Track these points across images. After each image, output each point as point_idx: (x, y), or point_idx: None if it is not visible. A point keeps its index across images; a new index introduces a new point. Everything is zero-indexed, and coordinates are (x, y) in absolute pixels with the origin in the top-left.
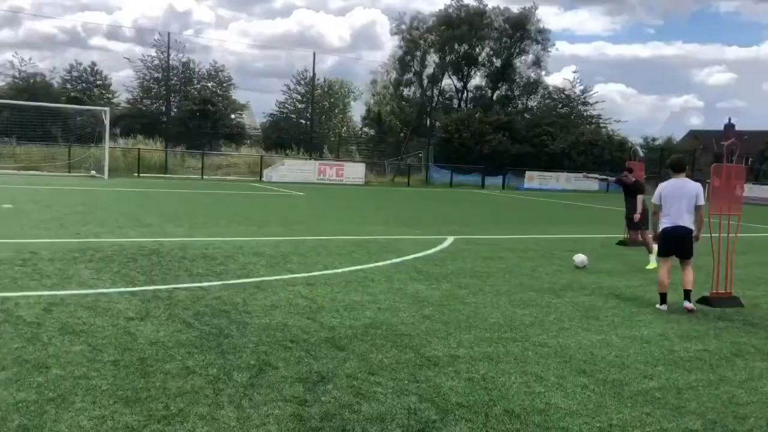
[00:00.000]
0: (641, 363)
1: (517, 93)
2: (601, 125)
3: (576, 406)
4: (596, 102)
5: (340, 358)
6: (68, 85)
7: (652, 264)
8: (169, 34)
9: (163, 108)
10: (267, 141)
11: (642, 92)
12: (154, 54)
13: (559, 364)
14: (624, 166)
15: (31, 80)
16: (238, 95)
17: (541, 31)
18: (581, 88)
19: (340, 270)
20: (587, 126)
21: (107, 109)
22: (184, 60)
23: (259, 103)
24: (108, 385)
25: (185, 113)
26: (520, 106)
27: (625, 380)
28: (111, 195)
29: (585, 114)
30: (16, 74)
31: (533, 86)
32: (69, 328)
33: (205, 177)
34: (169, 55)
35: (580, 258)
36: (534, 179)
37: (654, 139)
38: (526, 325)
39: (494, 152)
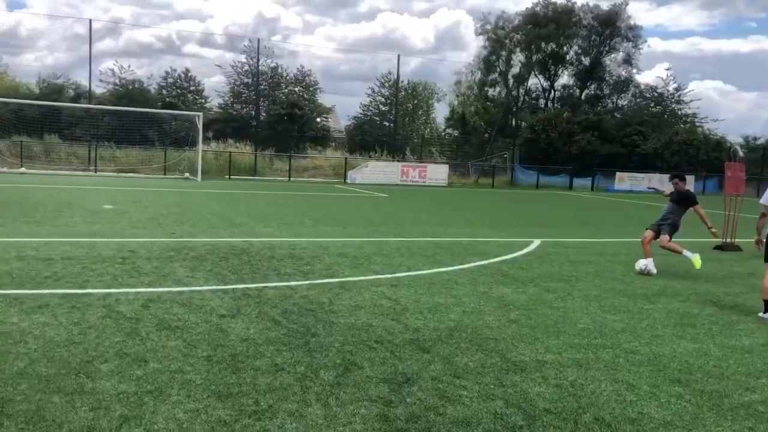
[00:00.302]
0: (742, 374)
1: (606, 92)
2: (697, 124)
3: (671, 416)
4: (691, 100)
5: (425, 360)
6: (164, 91)
7: (696, 260)
8: (258, 40)
9: (253, 112)
10: (351, 143)
11: (741, 89)
12: (243, 60)
13: (652, 372)
14: (722, 167)
15: (130, 87)
16: (324, 99)
17: (632, 28)
18: (675, 85)
19: (423, 272)
20: (681, 125)
21: (200, 114)
22: (272, 65)
23: (344, 106)
24: (202, 380)
25: (273, 117)
26: (609, 105)
27: (725, 392)
28: (204, 196)
29: (679, 113)
30: (117, 81)
31: (624, 85)
32: (165, 324)
33: (291, 179)
34: (258, 60)
35: (641, 264)
36: (624, 180)
37: (755, 139)
38: (617, 332)
39: (583, 153)
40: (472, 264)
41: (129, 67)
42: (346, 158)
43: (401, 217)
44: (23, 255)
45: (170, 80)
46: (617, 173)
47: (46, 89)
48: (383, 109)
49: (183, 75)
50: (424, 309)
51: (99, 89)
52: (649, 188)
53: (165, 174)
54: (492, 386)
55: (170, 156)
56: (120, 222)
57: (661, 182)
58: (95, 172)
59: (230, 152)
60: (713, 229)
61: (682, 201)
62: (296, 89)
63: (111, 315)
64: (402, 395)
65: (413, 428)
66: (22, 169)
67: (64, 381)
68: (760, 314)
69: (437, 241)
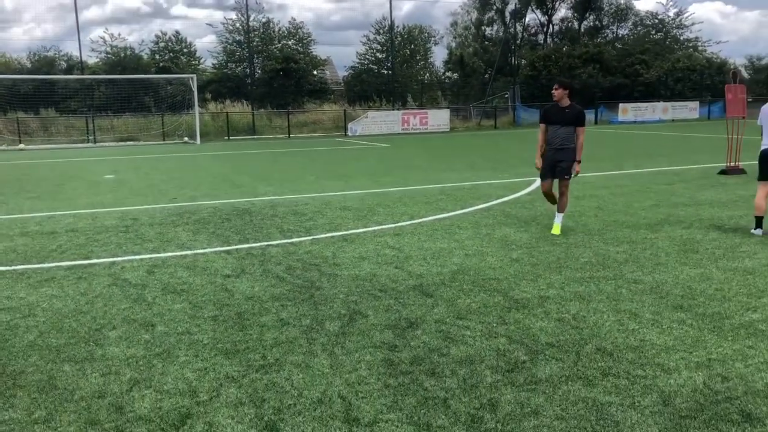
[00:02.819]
0: (744, 295)
1: (605, 22)
2: (699, 48)
3: (672, 341)
4: (692, 24)
5: (428, 304)
6: (156, 56)
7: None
8: None
9: (248, 70)
10: (350, 94)
11: (743, 8)
12: (234, 17)
13: (654, 300)
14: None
15: (122, 54)
16: (319, 51)
17: None
18: (675, 10)
19: (426, 219)
20: (684, 51)
21: (194, 75)
22: (263, 20)
23: (339, 56)
24: (209, 339)
25: (269, 73)
26: (609, 35)
27: (726, 313)
28: (203, 159)
29: (681, 38)
30: (108, 50)
31: (623, 13)
32: (170, 288)
33: (291, 135)
34: (248, 17)
35: None
36: (628, 112)
37: (759, 59)
38: (620, 263)
39: (584, 86)
40: (475, 207)
41: (119, 34)
42: (344, 110)
43: (403, 166)
44: (27, 230)
45: (161, 44)
46: (620, 105)
47: (38, 63)
48: (380, 56)
49: (174, 38)
50: (427, 255)
51: (91, 59)
52: None
53: (164, 140)
54: (495, 324)
55: (168, 121)
56: (121, 191)
57: (665, 111)
58: (94, 143)
59: (227, 113)
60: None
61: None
62: (289, 43)
63: (117, 283)
64: (406, 339)
65: (417, 370)
66: (21, 146)
67: (74, 350)
68: (752, 231)
69: (440, 188)
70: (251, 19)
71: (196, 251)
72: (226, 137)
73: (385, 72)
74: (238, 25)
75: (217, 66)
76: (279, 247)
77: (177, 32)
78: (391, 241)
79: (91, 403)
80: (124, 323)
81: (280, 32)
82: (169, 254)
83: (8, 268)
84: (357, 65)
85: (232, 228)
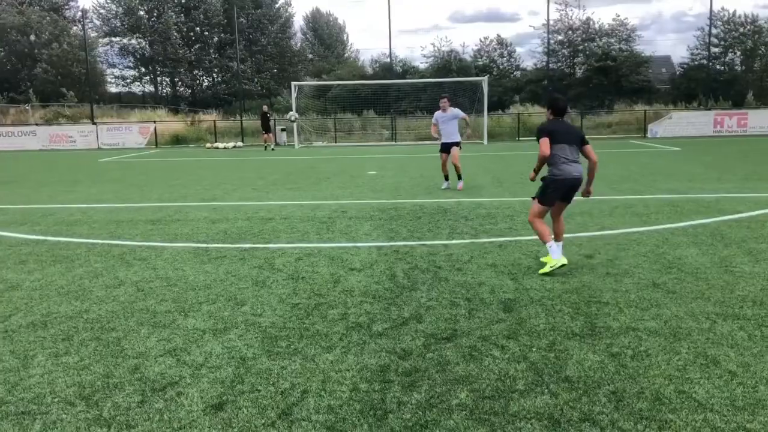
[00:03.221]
0: None
1: None
2: None
3: None
4: None
5: (499, 319)
6: (480, 60)
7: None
8: None
9: (567, 69)
10: (675, 93)
11: None
12: (557, 17)
13: None
14: None
15: (448, 57)
16: (644, 47)
17: None
18: None
19: (612, 231)
20: None
21: (485, 78)
22: (583, 18)
23: (665, 52)
24: (266, 323)
25: (587, 72)
26: None
27: None
28: (471, 159)
29: None
30: (437, 54)
31: None
32: (296, 275)
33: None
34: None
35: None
36: None
37: None
38: None
39: None
40: (687, 223)
41: (446, 37)
42: (645, 111)
43: (662, 172)
44: (253, 216)
45: (483, 48)
46: None
47: (378, 68)
48: (714, 51)
49: (495, 40)
50: (556, 270)
51: (423, 65)
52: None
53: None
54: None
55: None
56: (366, 186)
57: None
58: (395, 141)
59: (518, 113)
60: None
61: None
62: (611, 41)
63: (263, 266)
64: (398, 343)
65: (405, 380)
66: (320, 143)
67: (160, 317)
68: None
69: (673, 199)
70: (572, 16)
71: (355, 244)
72: (517, 138)
73: (722, 68)
74: (559, 25)
75: (537, 66)
76: (429, 248)
77: (498, 35)
78: (544, 250)
79: (140, 359)
80: (223, 300)
81: (602, 30)
82: (331, 245)
83: (202, 245)
84: (687, 61)
85: (411, 225)
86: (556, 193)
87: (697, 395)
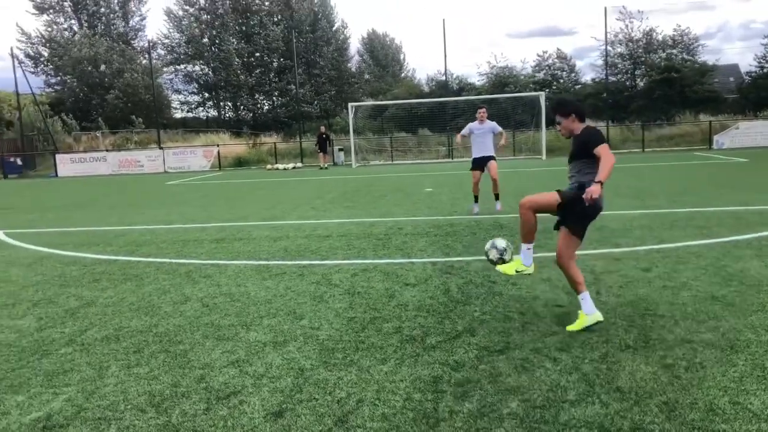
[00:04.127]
0: None
1: None
2: None
3: None
4: None
5: (521, 329)
6: (538, 75)
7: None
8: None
9: (627, 82)
10: (743, 102)
11: None
12: (618, 29)
13: None
14: None
15: (503, 73)
16: (710, 56)
17: None
18: None
19: (671, 245)
20: None
21: (542, 93)
22: (646, 29)
23: (739, 60)
24: (323, 336)
25: (650, 84)
26: None
27: None
28: (524, 176)
29: None
30: (490, 70)
31: None
32: (352, 291)
33: (646, 149)
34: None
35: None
36: None
37: None
38: None
39: None
40: (751, 235)
41: (502, 53)
42: (710, 121)
43: (727, 184)
44: (312, 233)
45: (542, 62)
46: None
47: (434, 86)
48: None
49: (555, 54)
50: (620, 283)
51: (479, 81)
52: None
53: (514, 155)
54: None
55: (524, 137)
56: (422, 203)
57: None
58: (452, 158)
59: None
60: None
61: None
62: (674, 51)
63: (321, 282)
64: (451, 355)
65: (458, 390)
66: (377, 162)
67: (224, 331)
68: None
69: (737, 211)
70: (634, 28)
71: (410, 260)
72: None
73: None
74: (620, 36)
75: (596, 80)
76: (484, 263)
77: (558, 49)
78: (603, 265)
79: (205, 370)
80: (283, 314)
81: (664, 41)
82: (386, 261)
83: (263, 262)
84: (755, 71)
85: (466, 241)
86: (590, 210)
87: (752, 406)
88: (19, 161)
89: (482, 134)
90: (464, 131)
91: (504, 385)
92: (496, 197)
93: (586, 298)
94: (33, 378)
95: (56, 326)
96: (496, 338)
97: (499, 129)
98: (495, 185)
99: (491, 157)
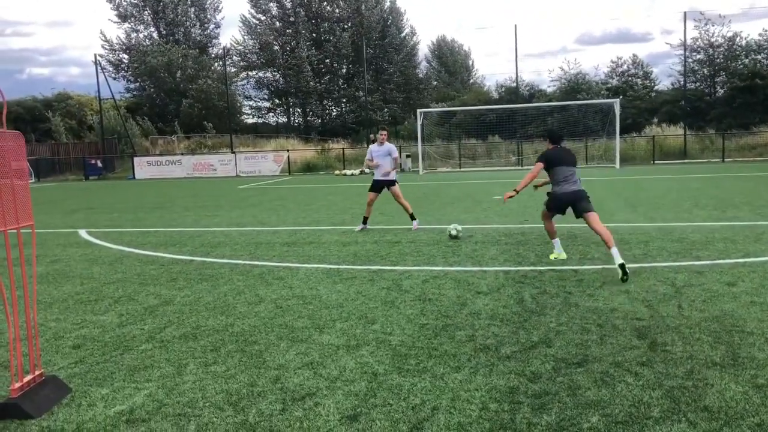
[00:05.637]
0: None
1: None
2: None
3: None
4: None
5: (601, 342)
6: (612, 81)
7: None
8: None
9: (707, 89)
10: None
11: None
12: (697, 34)
13: None
14: None
15: (576, 80)
16: None
17: None
18: None
19: (758, 258)
20: None
21: (617, 100)
22: (729, 34)
23: None
24: (396, 342)
25: (731, 91)
26: None
27: None
28: (606, 183)
29: None
30: (564, 76)
31: None
32: (424, 297)
33: (726, 159)
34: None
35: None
36: None
37: None
38: None
39: None
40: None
41: (575, 60)
42: None
43: None
44: (381, 239)
45: (617, 68)
46: None
47: (504, 93)
48: None
49: (630, 60)
50: (704, 297)
51: (550, 88)
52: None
53: (587, 163)
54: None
55: (597, 145)
56: (491, 210)
57: None
58: (521, 166)
59: (653, 136)
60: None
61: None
62: (759, 57)
63: (391, 287)
64: (527, 366)
65: (539, 401)
66: (445, 168)
67: (298, 332)
68: None
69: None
70: (714, 34)
71: (481, 268)
72: (652, 161)
73: None
74: (699, 42)
75: (673, 86)
76: (558, 272)
77: (634, 55)
78: (680, 277)
79: (280, 370)
80: (355, 318)
81: (748, 46)
82: (457, 268)
83: (333, 266)
84: None
85: (538, 250)
86: (553, 203)
87: None
88: (99, 163)
89: (380, 157)
90: (368, 155)
91: (583, 398)
92: (411, 217)
93: (556, 242)
94: (116, 372)
95: (136, 323)
96: (573, 350)
97: (395, 154)
98: (406, 209)
99: (393, 182)
